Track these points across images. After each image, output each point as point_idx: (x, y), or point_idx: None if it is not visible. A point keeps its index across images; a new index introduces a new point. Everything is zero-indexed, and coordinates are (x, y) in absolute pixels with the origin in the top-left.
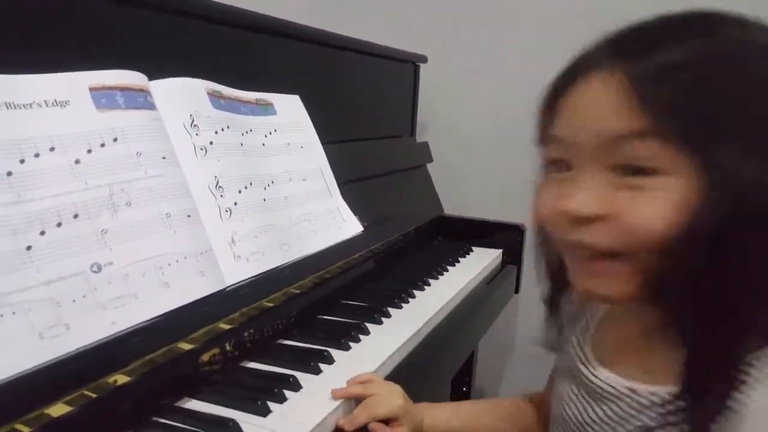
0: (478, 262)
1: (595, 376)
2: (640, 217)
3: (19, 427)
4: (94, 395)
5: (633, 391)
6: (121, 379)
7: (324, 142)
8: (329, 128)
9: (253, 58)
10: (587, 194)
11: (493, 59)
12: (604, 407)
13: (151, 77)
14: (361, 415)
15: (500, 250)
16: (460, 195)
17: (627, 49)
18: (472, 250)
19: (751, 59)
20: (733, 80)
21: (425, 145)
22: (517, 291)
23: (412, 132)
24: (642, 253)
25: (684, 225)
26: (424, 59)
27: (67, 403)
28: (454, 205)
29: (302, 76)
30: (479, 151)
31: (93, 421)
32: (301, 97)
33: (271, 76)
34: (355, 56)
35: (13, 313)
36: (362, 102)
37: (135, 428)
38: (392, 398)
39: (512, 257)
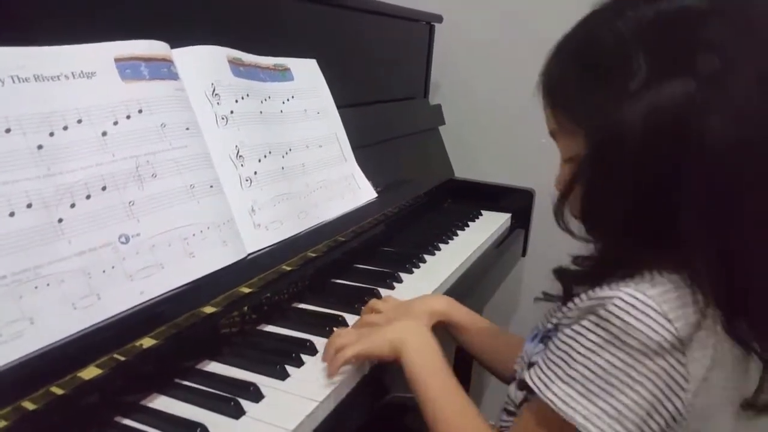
0: (488, 227)
1: None
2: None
3: (54, 389)
4: (122, 358)
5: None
6: (147, 342)
7: (338, 106)
8: (343, 91)
9: (268, 21)
10: (558, 176)
11: (510, 20)
12: None
13: (168, 42)
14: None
15: (509, 214)
16: (471, 158)
17: (546, 68)
18: (481, 214)
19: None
20: (570, 60)
21: (438, 107)
22: (524, 254)
23: (425, 93)
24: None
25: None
26: (439, 19)
27: (97, 366)
28: (464, 168)
29: (316, 39)
30: (492, 114)
31: (121, 382)
32: (316, 60)
33: (285, 39)
34: (369, 17)
35: (47, 284)
36: (376, 63)
37: (158, 390)
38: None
39: (521, 221)
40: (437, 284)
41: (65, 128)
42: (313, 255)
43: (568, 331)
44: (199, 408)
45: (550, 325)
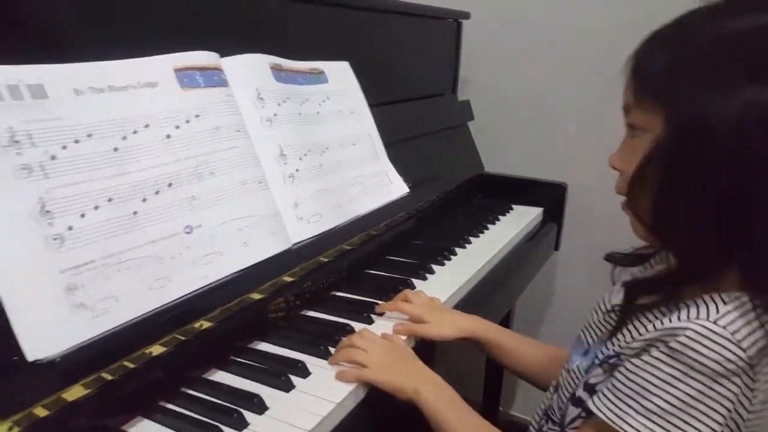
0: (519, 221)
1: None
2: (627, 169)
3: (126, 363)
4: (183, 338)
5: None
6: (204, 324)
7: (370, 105)
8: (374, 90)
9: (301, 27)
10: (618, 151)
11: (538, 14)
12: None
13: (216, 51)
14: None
15: (541, 209)
16: (501, 152)
17: (642, 47)
18: (512, 208)
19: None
20: (668, 45)
21: (467, 103)
22: (557, 248)
23: (454, 89)
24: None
25: (639, 163)
26: (467, 15)
27: (162, 344)
28: (494, 163)
29: (347, 42)
30: (522, 107)
31: (183, 359)
32: (343, 59)
33: (318, 44)
34: (398, 18)
35: (128, 268)
36: (405, 62)
37: (216, 365)
38: (425, 308)
39: (553, 215)
40: (468, 276)
41: (135, 132)
42: (349, 248)
43: (637, 361)
44: (253, 382)
45: (609, 351)
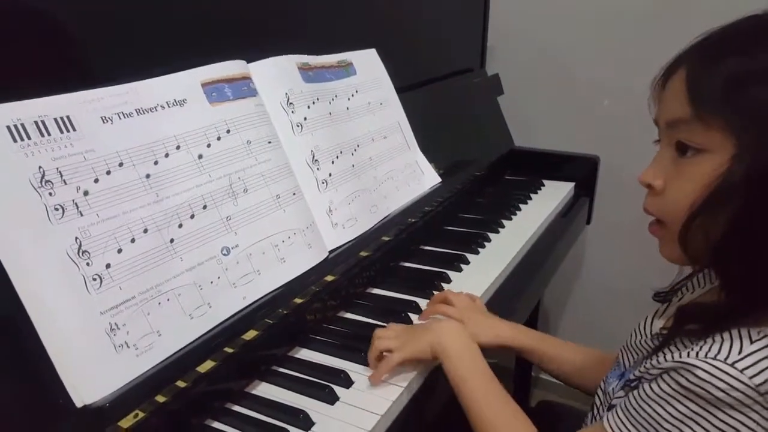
0: (551, 199)
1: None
2: (675, 192)
3: (179, 383)
4: (230, 350)
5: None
6: (247, 335)
7: (397, 89)
8: (400, 74)
9: (320, 14)
10: (654, 167)
11: None
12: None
13: (238, 53)
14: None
15: (572, 183)
16: (530, 125)
17: (697, 54)
18: (543, 185)
19: None
20: (742, 57)
21: (496, 77)
22: (588, 222)
23: (482, 62)
24: (675, 222)
25: (707, 196)
26: None
27: (211, 359)
28: (523, 137)
29: (369, 24)
30: (551, 78)
31: (228, 372)
32: (369, 44)
33: (338, 30)
34: None
35: (168, 299)
36: (431, 38)
37: (260, 377)
38: (465, 311)
39: (585, 189)
40: (503, 266)
41: (167, 155)
42: (384, 239)
43: (650, 389)
44: (298, 394)
45: (637, 373)
